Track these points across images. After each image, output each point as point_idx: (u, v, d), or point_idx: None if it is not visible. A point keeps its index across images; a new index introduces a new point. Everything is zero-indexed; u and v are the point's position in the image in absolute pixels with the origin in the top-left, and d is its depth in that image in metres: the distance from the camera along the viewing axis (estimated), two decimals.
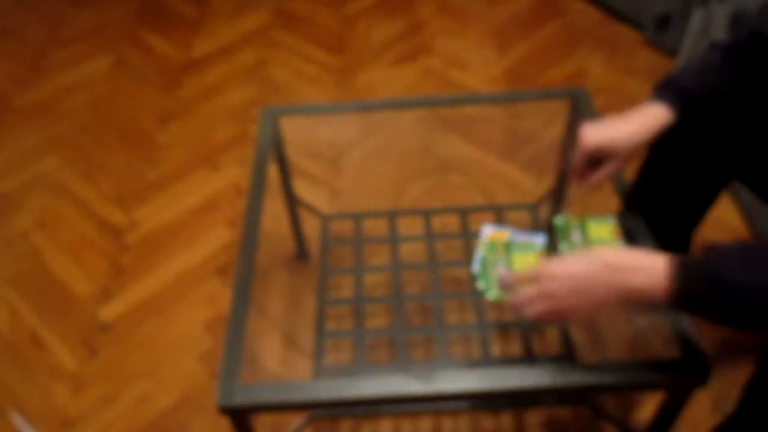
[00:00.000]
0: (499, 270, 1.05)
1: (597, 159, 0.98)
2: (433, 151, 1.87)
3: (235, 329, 0.93)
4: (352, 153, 1.89)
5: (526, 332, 1.36)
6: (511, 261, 1.06)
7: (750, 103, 0.98)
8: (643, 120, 0.95)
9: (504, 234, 1.15)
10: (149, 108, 2.10)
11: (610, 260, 0.76)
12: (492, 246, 1.09)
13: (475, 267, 1.06)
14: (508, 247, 1.09)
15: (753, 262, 0.68)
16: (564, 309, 0.79)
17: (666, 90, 0.96)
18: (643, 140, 0.95)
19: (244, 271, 1.01)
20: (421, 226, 1.40)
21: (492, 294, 1.02)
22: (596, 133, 0.95)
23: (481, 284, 1.04)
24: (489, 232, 1.16)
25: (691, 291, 0.70)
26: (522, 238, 1.14)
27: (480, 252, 1.09)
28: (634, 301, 0.75)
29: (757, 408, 0.95)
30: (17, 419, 1.36)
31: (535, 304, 0.81)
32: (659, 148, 1.17)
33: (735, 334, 1.40)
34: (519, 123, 1.93)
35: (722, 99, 0.96)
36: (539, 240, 1.14)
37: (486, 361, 1.21)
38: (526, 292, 0.83)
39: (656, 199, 1.12)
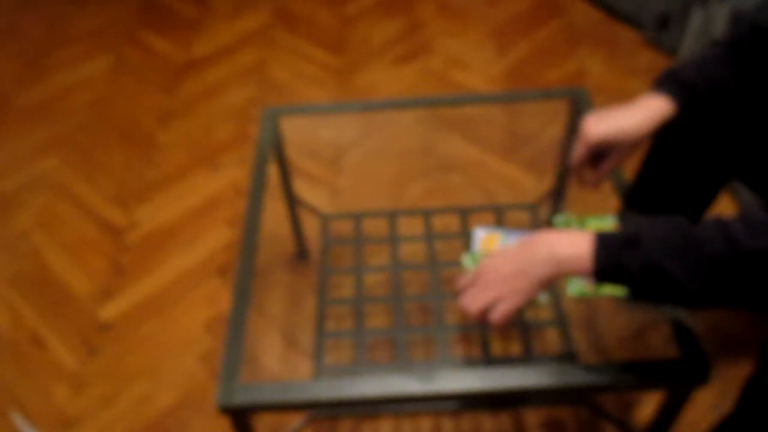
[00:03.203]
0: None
1: (599, 153, 0.97)
2: (433, 151, 1.87)
3: (235, 329, 0.93)
4: (352, 153, 1.89)
5: (526, 332, 1.36)
6: None
7: (751, 100, 0.98)
8: (645, 111, 0.93)
9: (497, 236, 1.15)
10: (149, 108, 2.10)
11: (538, 236, 0.78)
12: (474, 258, 1.09)
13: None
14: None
15: (661, 225, 0.70)
16: (504, 295, 0.78)
17: (667, 83, 0.95)
18: (647, 132, 0.93)
19: (244, 271, 1.01)
20: (421, 226, 1.40)
21: None
22: (602, 125, 0.93)
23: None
24: (482, 235, 1.16)
25: (608, 254, 0.71)
26: (515, 239, 1.15)
27: (464, 262, 1.09)
28: (565, 273, 0.75)
29: (756, 407, 0.95)
30: (17, 419, 1.36)
31: (476, 299, 0.81)
32: (660, 147, 1.17)
33: (734, 331, 1.41)
34: (519, 123, 1.93)
35: (723, 94, 0.96)
36: None
37: (486, 361, 1.21)
38: (468, 292, 0.83)
39: (656, 198, 1.12)
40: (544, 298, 1.03)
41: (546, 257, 0.76)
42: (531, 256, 0.77)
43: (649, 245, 0.68)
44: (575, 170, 1.00)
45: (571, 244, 0.74)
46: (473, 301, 0.81)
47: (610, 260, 0.71)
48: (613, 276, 0.72)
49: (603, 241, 0.72)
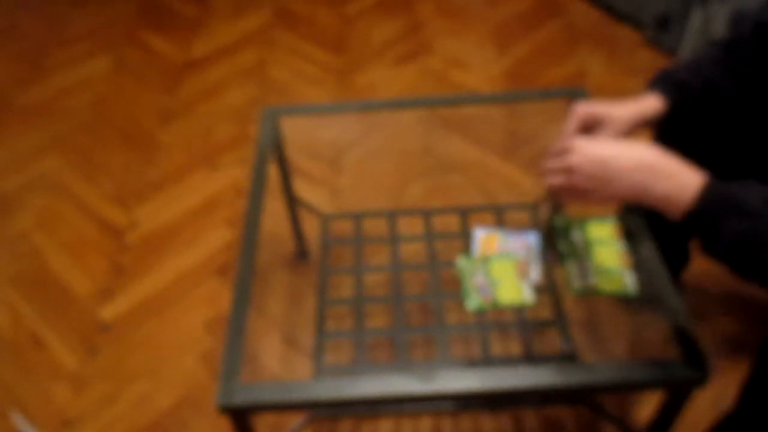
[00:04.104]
0: (479, 281, 1.05)
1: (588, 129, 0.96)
2: (433, 151, 1.87)
3: (235, 329, 0.93)
4: (352, 153, 1.89)
5: (526, 332, 1.36)
6: (489, 270, 1.07)
7: (749, 101, 0.98)
8: (635, 104, 0.95)
9: (496, 236, 1.15)
10: (149, 108, 2.10)
11: (644, 159, 0.75)
12: (469, 260, 1.09)
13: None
14: (485, 259, 1.09)
15: None
16: (582, 190, 0.79)
17: (660, 81, 0.96)
18: (635, 120, 0.94)
19: (244, 271, 1.01)
20: (421, 226, 1.40)
21: (470, 304, 1.02)
22: (591, 105, 0.95)
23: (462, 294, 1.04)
24: (481, 235, 1.17)
25: (707, 213, 0.70)
26: (515, 238, 1.15)
27: (458, 263, 1.09)
28: (650, 205, 0.75)
29: (755, 406, 0.96)
30: (18, 419, 1.36)
31: (556, 175, 0.81)
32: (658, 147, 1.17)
33: (734, 331, 1.41)
34: (519, 123, 1.93)
35: (718, 94, 0.96)
36: (532, 239, 1.14)
37: (486, 361, 1.21)
38: (554, 162, 0.82)
39: None
40: (530, 299, 1.03)
41: (639, 186, 0.74)
42: (626, 175, 0.75)
43: (755, 222, 0.67)
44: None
45: (674, 185, 0.72)
46: (552, 178, 0.82)
47: (707, 222, 0.70)
48: (698, 231, 0.72)
49: (708, 200, 0.70)
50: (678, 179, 0.73)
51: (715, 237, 0.70)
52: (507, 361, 1.36)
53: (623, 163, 0.75)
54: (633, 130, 0.94)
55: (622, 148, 0.77)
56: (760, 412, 0.95)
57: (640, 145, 0.77)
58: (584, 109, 0.94)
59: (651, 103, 0.95)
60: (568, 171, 0.79)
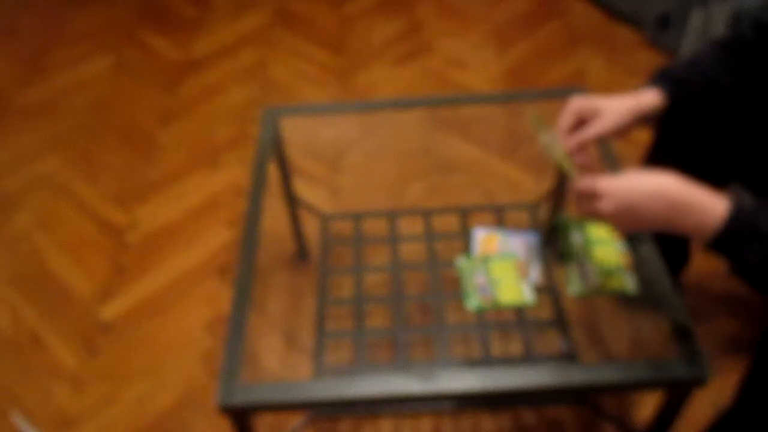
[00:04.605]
0: (479, 281, 1.05)
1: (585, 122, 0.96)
2: (433, 151, 1.87)
3: (235, 329, 0.93)
4: (352, 153, 1.89)
5: (526, 332, 1.36)
6: (489, 270, 1.07)
7: (749, 99, 0.98)
8: (632, 97, 0.95)
9: (496, 236, 1.16)
10: (149, 108, 2.10)
11: (671, 199, 0.77)
12: (469, 260, 1.09)
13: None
14: (485, 259, 1.09)
15: None
16: (609, 220, 0.82)
17: (659, 77, 0.96)
18: (631, 113, 0.93)
19: (244, 271, 1.01)
20: (421, 226, 1.40)
21: (470, 304, 1.03)
22: (585, 98, 0.95)
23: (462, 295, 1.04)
24: (481, 235, 1.17)
25: (731, 241, 0.74)
26: (515, 238, 1.15)
27: (458, 263, 1.09)
28: (676, 232, 0.78)
29: (753, 402, 0.96)
30: (18, 419, 1.36)
31: (587, 208, 0.84)
32: (658, 149, 1.17)
33: (733, 331, 1.41)
34: (519, 123, 1.93)
35: (717, 91, 0.96)
36: (532, 239, 1.14)
37: (486, 361, 1.21)
38: (582, 203, 0.84)
39: None
40: (530, 299, 1.04)
41: (666, 220, 0.77)
42: (654, 213, 0.78)
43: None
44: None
45: (700, 218, 0.75)
46: (584, 207, 0.84)
47: (732, 249, 0.74)
48: (724, 255, 0.76)
49: (731, 229, 0.74)
50: (701, 213, 0.76)
51: (739, 261, 0.75)
52: (507, 361, 1.36)
53: (651, 206, 0.78)
54: (630, 123, 0.93)
55: (647, 189, 0.79)
56: (758, 409, 0.95)
57: (663, 179, 0.79)
58: (578, 102, 0.93)
59: (648, 97, 0.94)
60: (597, 213, 0.82)
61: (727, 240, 0.74)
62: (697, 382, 0.85)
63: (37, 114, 2.11)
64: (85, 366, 1.45)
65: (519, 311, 1.28)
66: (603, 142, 1.15)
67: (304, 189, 1.75)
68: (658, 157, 1.16)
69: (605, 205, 0.80)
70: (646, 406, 1.31)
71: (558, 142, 0.91)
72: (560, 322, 1.28)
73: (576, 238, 1.09)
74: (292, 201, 1.44)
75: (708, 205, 0.75)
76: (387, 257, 1.37)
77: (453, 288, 1.44)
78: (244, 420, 0.90)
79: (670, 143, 1.13)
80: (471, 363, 1.35)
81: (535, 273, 1.09)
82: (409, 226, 1.43)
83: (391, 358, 1.38)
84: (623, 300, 1.47)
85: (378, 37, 2.31)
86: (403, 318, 1.25)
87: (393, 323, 1.26)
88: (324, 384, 0.87)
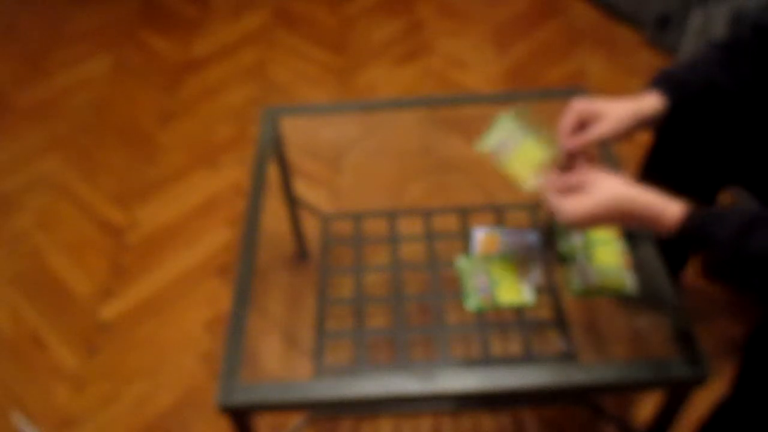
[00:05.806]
0: (479, 281, 1.05)
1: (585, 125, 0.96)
2: (433, 151, 1.87)
3: (235, 329, 0.93)
4: (352, 153, 1.89)
5: (526, 332, 1.36)
6: (489, 270, 1.07)
7: (749, 102, 0.98)
8: (634, 101, 0.94)
9: (496, 236, 1.16)
10: (149, 108, 2.10)
11: (625, 208, 0.82)
12: (469, 260, 1.09)
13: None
14: (485, 259, 1.09)
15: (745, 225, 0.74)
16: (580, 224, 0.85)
17: (660, 81, 0.96)
18: (632, 117, 0.93)
19: (244, 271, 1.01)
20: (421, 226, 1.40)
21: (470, 304, 1.03)
22: (588, 100, 0.95)
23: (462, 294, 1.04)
24: (481, 235, 1.17)
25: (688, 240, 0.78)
26: (515, 238, 1.15)
27: (458, 263, 1.09)
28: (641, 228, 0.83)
29: (748, 395, 0.96)
30: (18, 418, 1.36)
31: (559, 211, 0.86)
32: (658, 150, 1.17)
33: (733, 331, 1.40)
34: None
35: (719, 94, 0.96)
36: (532, 239, 1.14)
37: (486, 361, 1.21)
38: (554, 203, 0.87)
39: None
40: (530, 299, 1.04)
41: (627, 220, 0.83)
42: (613, 217, 0.83)
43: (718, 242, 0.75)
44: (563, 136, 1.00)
45: (656, 219, 0.80)
46: (558, 209, 0.87)
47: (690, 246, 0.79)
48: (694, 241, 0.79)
49: (686, 224, 0.78)
50: (657, 217, 0.80)
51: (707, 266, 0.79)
52: (507, 361, 1.35)
53: (610, 213, 0.83)
54: (631, 127, 0.93)
55: (604, 203, 0.83)
56: (753, 401, 0.95)
57: (613, 192, 0.83)
58: (581, 104, 0.94)
59: (650, 101, 0.94)
60: (562, 211, 0.86)
61: (686, 239, 0.78)
62: (697, 382, 0.85)
63: (37, 114, 2.11)
64: (85, 366, 1.45)
65: (519, 311, 1.28)
66: (603, 144, 1.15)
67: (304, 189, 1.75)
68: (658, 159, 1.16)
69: (566, 218, 0.84)
70: (646, 406, 1.31)
71: (527, 146, 0.94)
72: (560, 322, 1.28)
73: (576, 238, 1.09)
74: (292, 201, 1.44)
75: (660, 207, 0.80)
76: (387, 257, 1.37)
77: (453, 288, 1.44)
78: (244, 420, 0.91)
79: (670, 145, 1.13)
80: (471, 363, 1.35)
81: (535, 273, 1.09)
82: (409, 226, 1.43)
83: (391, 358, 1.38)
84: (623, 300, 1.46)
85: (378, 37, 2.31)
86: (403, 318, 1.25)
87: (393, 323, 1.26)
88: (324, 384, 0.87)
